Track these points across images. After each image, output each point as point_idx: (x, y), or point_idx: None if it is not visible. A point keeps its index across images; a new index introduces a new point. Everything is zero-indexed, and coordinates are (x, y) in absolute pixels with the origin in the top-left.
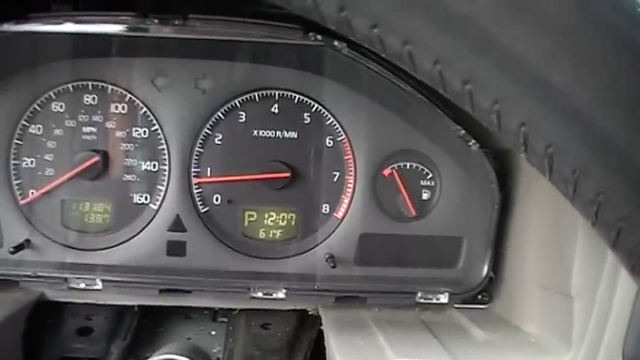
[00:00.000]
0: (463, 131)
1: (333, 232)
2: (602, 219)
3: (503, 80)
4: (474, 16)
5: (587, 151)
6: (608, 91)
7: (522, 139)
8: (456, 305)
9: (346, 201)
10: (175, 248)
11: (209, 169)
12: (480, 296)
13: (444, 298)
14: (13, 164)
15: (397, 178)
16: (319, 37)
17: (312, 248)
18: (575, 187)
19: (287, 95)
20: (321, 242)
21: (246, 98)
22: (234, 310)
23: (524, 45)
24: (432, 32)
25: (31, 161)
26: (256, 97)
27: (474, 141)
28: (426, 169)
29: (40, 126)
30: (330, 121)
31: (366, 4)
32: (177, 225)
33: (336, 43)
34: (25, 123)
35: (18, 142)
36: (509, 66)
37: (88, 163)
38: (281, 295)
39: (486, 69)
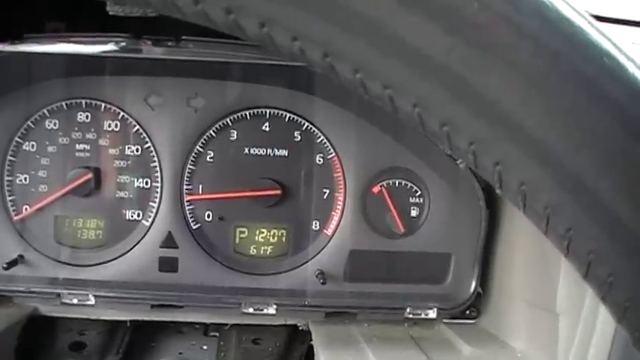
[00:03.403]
0: None
1: (323, 248)
2: (572, 252)
3: (478, 124)
4: (449, 64)
5: (557, 189)
6: (576, 134)
7: (497, 177)
8: (445, 320)
9: (336, 218)
10: (167, 264)
11: (201, 186)
12: (468, 311)
13: (432, 314)
14: (7, 181)
15: (386, 196)
16: None
17: (302, 264)
18: (548, 222)
19: (278, 114)
20: (311, 259)
21: (238, 117)
22: (226, 325)
23: (497, 91)
24: (411, 79)
25: (25, 178)
26: (247, 115)
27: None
28: (415, 187)
29: (34, 143)
30: (320, 139)
31: (349, 53)
32: (169, 241)
33: None
34: (19, 140)
35: (12, 158)
36: (484, 110)
37: (80, 180)
38: (272, 310)
39: (462, 113)
